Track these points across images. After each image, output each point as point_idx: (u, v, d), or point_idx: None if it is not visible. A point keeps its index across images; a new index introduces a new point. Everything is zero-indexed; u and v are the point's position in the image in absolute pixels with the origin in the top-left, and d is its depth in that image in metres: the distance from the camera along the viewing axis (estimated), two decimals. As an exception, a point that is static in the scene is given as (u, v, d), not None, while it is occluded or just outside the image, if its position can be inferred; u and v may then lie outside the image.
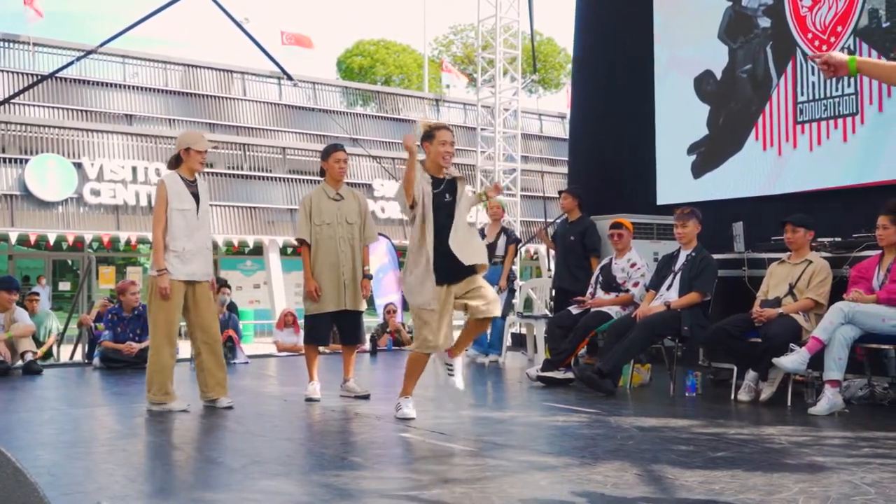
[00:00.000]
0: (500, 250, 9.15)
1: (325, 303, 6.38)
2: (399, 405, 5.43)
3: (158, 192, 5.90)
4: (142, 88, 25.80)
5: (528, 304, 10.89)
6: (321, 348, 6.94)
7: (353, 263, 6.43)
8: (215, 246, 23.97)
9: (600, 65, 10.61)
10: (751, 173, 8.68)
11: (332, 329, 6.70)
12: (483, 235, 9.35)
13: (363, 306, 6.58)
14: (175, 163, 6.00)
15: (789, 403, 5.84)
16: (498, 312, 5.51)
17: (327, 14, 67.61)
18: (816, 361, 5.62)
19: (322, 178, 6.61)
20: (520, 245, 10.33)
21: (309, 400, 6.22)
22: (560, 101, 39.27)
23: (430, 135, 5.38)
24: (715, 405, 5.99)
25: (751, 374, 6.09)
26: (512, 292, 9.44)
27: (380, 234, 14.76)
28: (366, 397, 6.37)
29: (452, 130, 5.48)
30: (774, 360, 5.64)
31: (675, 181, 9.47)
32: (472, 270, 5.36)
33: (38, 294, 12.49)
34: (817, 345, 5.54)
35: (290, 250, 23.95)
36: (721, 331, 6.20)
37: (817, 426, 5.09)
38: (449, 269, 5.27)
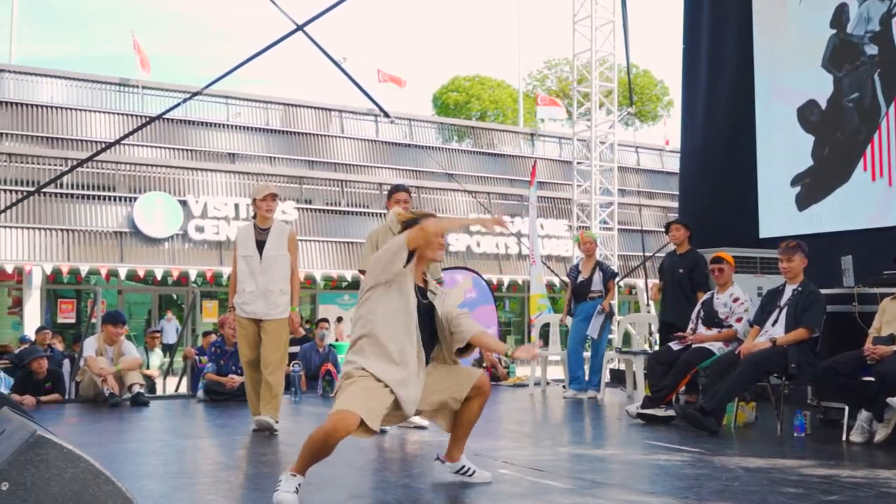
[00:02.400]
0: (595, 286, 9.04)
1: None
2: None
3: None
4: (244, 128, 26.62)
5: (627, 339, 10.73)
6: None
7: None
8: (314, 281, 24.41)
9: (704, 97, 10.49)
10: (859, 205, 8.41)
11: None
12: (578, 272, 9.28)
13: None
14: (254, 215, 6.76)
15: (906, 445, 5.58)
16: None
17: (423, 51, 68.71)
18: (935, 401, 5.36)
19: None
20: (617, 279, 10.18)
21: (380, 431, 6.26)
22: (657, 133, 38.95)
23: (418, 223, 4.29)
24: (825, 446, 5.77)
25: (864, 415, 5.85)
26: (610, 317, 9.26)
27: (465, 268, 14.84)
28: (423, 428, 6.46)
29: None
30: (890, 399, 5.41)
31: (778, 214, 9.25)
32: None
33: (159, 332, 12.95)
34: (935, 384, 5.29)
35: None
36: (831, 368, 5.97)
37: (937, 470, 4.84)
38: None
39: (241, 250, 6.61)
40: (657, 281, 8.72)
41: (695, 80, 10.72)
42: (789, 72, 9.32)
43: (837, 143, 8.75)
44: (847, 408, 6.03)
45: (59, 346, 13.07)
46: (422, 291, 4.30)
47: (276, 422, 6.39)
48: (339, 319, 23.73)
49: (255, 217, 6.73)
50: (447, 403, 4.27)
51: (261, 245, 6.54)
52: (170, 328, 21.70)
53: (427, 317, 4.26)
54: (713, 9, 10.46)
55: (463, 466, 4.41)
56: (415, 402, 4.12)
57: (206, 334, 13.54)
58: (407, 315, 4.13)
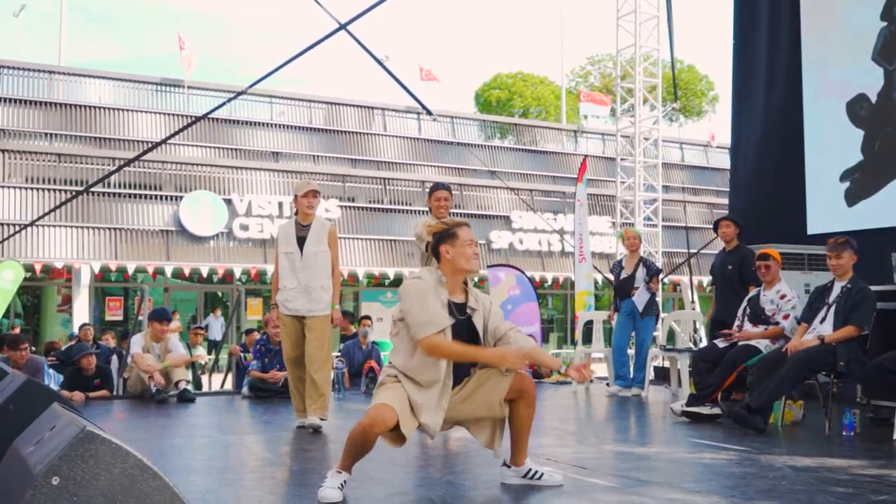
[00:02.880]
0: (638, 282, 8.99)
1: None
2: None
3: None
4: (287, 126, 26.85)
5: (672, 336, 10.64)
6: None
7: None
8: (357, 278, 24.54)
9: (752, 92, 10.36)
10: (911, 200, 8.24)
11: None
12: (621, 267, 9.23)
13: None
14: (296, 211, 6.74)
15: (959, 445, 5.47)
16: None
17: (465, 48, 68.64)
18: None
19: (429, 214, 6.86)
20: (661, 276, 10.12)
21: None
22: (702, 129, 38.46)
23: (449, 234, 4.16)
24: (875, 446, 5.68)
25: (915, 413, 5.74)
26: (656, 313, 9.20)
27: (508, 265, 14.80)
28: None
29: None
30: (941, 398, 5.30)
31: (827, 209, 9.11)
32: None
33: (203, 328, 13.10)
34: None
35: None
36: (881, 366, 5.87)
37: None
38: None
39: (282, 247, 6.63)
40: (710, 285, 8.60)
41: (744, 74, 10.59)
42: (838, 65, 9.16)
43: (888, 137, 8.59)
44: (898, 407, 5.93)
45: (112, 343, 13.29)
46: (459, 308, 4.12)
47: (324, 419, 6.40)
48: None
49: (296, 214, 6.72)
50: (484, 413, 4.18)
51: (301, 241, 6.54)
52: (216, 325, 21.97)
53: (464, 332, 4.09)
54: (763, 3, 10.32)
55: (529, 470, 4.26)
56: (433, 424, 4.03)
57: (248, 332, 13.67)
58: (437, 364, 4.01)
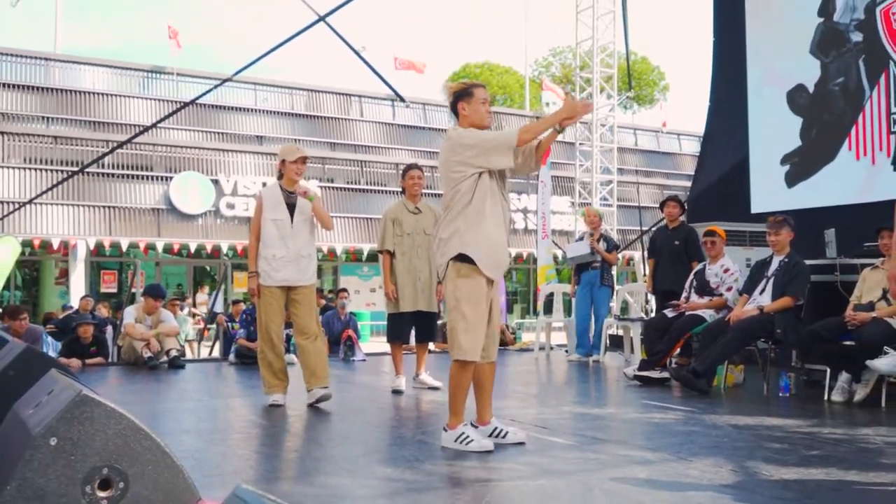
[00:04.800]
0: (598, 256, 9.03)
1: (404, 303, 6.56)
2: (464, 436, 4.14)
3: (256, 203, 5.92)
4: (270, 112, 26.57)
5: (625, 307, 10.71)
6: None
7: (429, 269, 6.54)
8: (336, 254, 24.44)
9: (716, 83, 10.42)
10: (844, 182, 8.33)
11: (411, 327, 6.78)
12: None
13: (436, 308, 6.72)
14: (280, 175, 5.94)
15: (884, 405, 5.56)
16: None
17: (437, 40, 68.24)
18: (911, 364, 5.33)
19: (403, 194, 6.76)
20: (618, 251, 10.18)
21: (396, 392, 6.40)
22: (654, 116, 38.56)
23: (466, 93, 4.24)
24: (808, 405, 5.76)
25: (844, 376, 5.83)
26: (611, 289, 9.24)
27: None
28: (436, 388, 6.50)
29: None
30: (869, 362, 5.39)
31: (769, 190, 9.17)
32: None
33: (178, 300, 12.99)
34: (912, 348, 5.26)
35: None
36: (814, 334, 5.96)
37: (913, 427, 4.83)
38: (499, 262, 4.20)
39: (269, 213, 5.78)
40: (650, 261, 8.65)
41: (715, 69, 10.57)
42: (780, 57, 9.20)
43: (824, 124, 8.66)
44: (829, 370, 6.02)
45: (106, 313, 13.16)
46: None
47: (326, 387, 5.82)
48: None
49: (280, 178, 5.90)
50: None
51: (291, 208, 5.81)
52: (210, 299, 21.75)
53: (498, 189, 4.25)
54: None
55: (496, 429, 4.28)
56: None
57: (234, 303, 13.57)
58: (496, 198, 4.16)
